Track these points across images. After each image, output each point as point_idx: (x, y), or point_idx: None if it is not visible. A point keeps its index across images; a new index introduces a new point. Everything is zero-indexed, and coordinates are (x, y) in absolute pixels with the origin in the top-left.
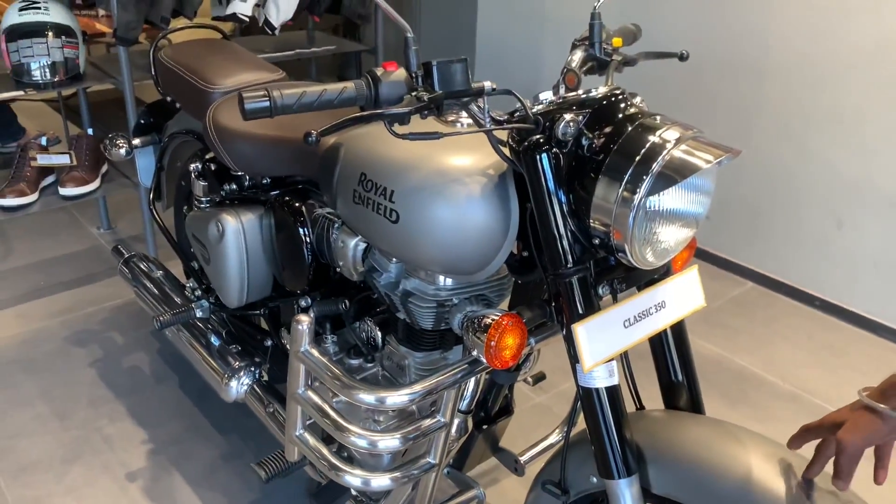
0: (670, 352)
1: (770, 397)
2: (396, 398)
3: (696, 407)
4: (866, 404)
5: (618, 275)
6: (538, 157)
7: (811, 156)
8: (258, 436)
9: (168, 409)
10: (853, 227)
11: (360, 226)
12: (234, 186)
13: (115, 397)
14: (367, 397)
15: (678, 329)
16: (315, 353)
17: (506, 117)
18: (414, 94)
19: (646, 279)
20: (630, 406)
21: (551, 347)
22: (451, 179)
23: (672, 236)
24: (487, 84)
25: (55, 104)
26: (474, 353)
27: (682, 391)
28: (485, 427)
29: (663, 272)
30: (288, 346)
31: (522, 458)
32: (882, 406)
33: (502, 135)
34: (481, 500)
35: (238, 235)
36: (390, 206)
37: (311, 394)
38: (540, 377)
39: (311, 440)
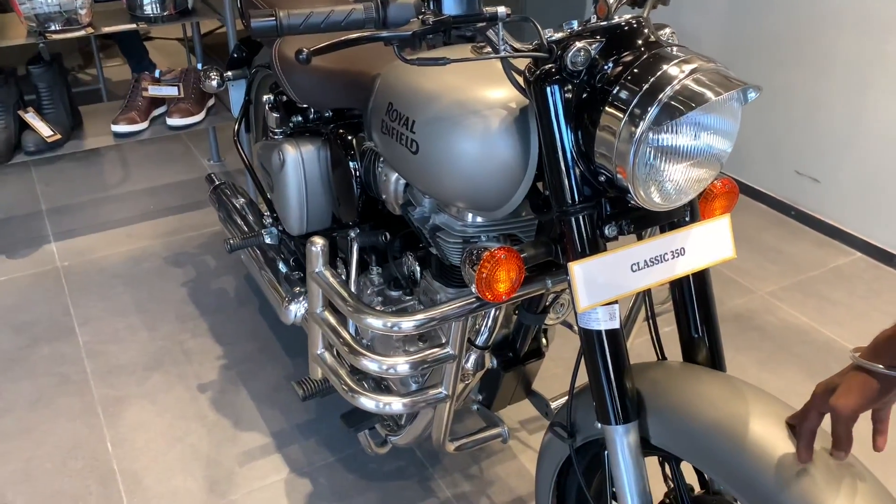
0: (692, 304)
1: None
2: (403, 324)
3: (715, 363)
4: (859, 365)
5: (633, 216)
6: (547, 87)
7: None
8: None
9: (245, 330)
10: None
11: (388, 157)
12: (300, 118)
13: (200, 315)
14: (376, 322)
15: (701, 281)
16: (328, 275)
17: (527, 47)
18: (420, 16)
19: (662, 223)
20: (651, 356)
21: None
22: (471, 111)
23: (682, 176)
24: (501, 9)
25: (190, 43)
26: (472, 287)
27: (701, 346)
28: (513, 367)
29: (689, 218)
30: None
31: (553, 404)
32: (875, 365)
33: (523, 66)
34: (505, 437)
35: (297, 165)
36: (411, 136)
37: (327, 314)
38: None
39: (330, 360)
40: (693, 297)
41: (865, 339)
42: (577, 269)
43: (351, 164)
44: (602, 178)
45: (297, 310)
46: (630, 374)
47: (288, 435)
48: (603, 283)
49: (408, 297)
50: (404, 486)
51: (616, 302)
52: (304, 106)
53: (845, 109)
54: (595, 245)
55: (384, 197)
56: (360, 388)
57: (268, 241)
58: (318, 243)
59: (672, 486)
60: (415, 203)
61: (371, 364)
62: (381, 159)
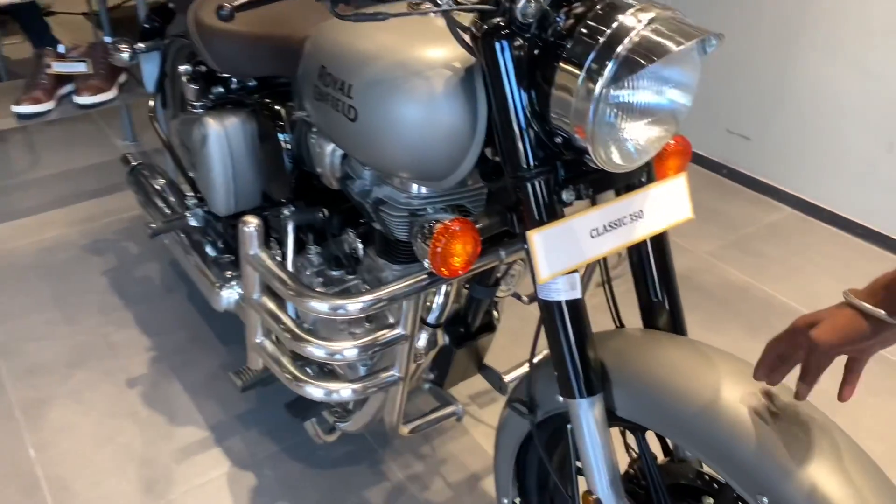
0: (650, 268)
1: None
2: (349, 306)
3: (676, 328)
4: (851, 303)
5: (588, 179)
6: (496, 43)
7: (864, 73)
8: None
9: (174, 319)
10: None
11: (324, 125)
12: (222, 90)
13: (125, 305)
14: (320, 305)
15: (660, 244)
16: (265, 257)
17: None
18: None
19: (620, 185)
20: (609, 325)
21: None
22: (413, 73)
23: (642, 134)
24: None
25: (94, 17)
26: (425, 262)
27: (661, 311)
28: (465, 343)
29: (645, 179)
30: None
31: (507, 377)
32: (871, 307)
33: (469, 21)
34: (459, 416)
35: (221, 140)
36: (348, 101)
37: (265, 300)
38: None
39: (270, 348)
40: (652, 261)
41: (803, 294)
42: (536, 237)
43: (280, 136)
44: (558, 140)
45: (229, 295)
46: (593, 345)
47: (227, 427)
48: (563, 251)
49: (350, 277)
50: (355, 472)
51: (576, 270)
52: (226, 76)
53: (774, 67)
54: (553, 212)
55: (319, 170)
56: (306, 376)
57: (193, 223)
58: (252, 223)
59: (636, 455)
60: (354, 175)
61: (317, 350)
62: (315, 130)
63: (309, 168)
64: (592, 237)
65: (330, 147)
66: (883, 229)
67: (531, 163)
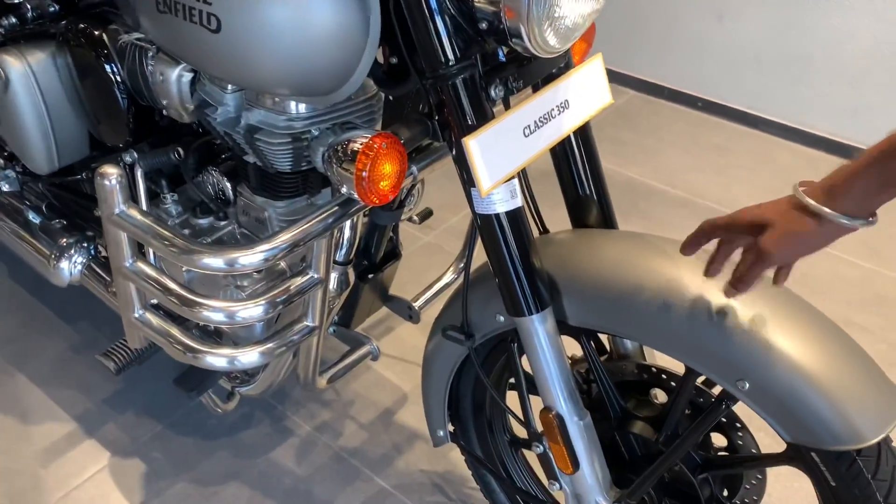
0: (576, 162)
1: (661, 205)
2: (251, 257)
3: (608, 222)
4: (805, 205)
5: (510, 72)
6: None
7: None
8: (113, 319)
9: None
10: (734, 18)
11: (174, 45)
12: (15, 20)
13: None
14: (213, 260)
15: (584, 135)
16: (136, 214)
17: None
18: None
19: (543, 75)
20: (534, 232)
21: (433, 180)
22: None
23: (576, 10)
24: None
25: None
26: (343, 189)
27: (591, 206)
28: (370, 276)
29: (563, 66)
30: None
31: (416, 304)
32: (827, 210)
33: None
34: (375, 354)
35: (27, 82)
36: (206, 9)
37: (142, 265)
38: (427, 214)
39: (156, 320)
40: (577, 154)
41: (661, 174)
42: (473, 144)
43: (107, 67)
44: (483, 26)
45: (70, 267)
46: (538, 256)
47: (96, 415)
48: (501, 155)
49: (222, 223)
50: (257, 435)
51: (514, 176)
52: (16, 1)
53: None
54: (483, 112)
55: (165, 102)
56: (204, 346)
57: (5, 188)
58: (112, 174)
59: (578, 359)
60: (213, 102)
61: (215, 314)
62: (152, 54)
63: (149, 102)
64: (526, 136)
65: (175, 72)
66: (720, 99)
67: (452, 57)
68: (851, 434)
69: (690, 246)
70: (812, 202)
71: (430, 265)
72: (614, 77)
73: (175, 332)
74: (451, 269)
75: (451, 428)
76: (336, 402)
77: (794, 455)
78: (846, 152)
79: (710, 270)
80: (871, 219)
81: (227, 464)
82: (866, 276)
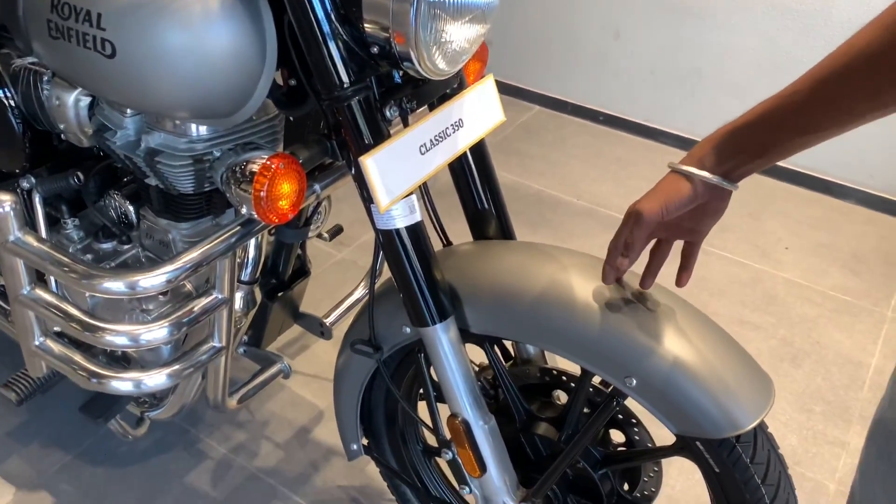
0: (473, 178)
1: (567, 216)
2: (152, 280)
3: (506, 234)
4: (675, 170)
5: (406, 93)
6: None
7: None
8: (12, 348)
9: None
10: (630, 36)
11: (69, 70)
12: None
13: None
14: (114, 284)
15: (479, 152)
16: (31, 240)
17: None
18: None
19: (437, 95)
20: (437, 245)
21: (345, 198)
22: None
23: (462, 35)
24: None
25: None
26: (243, 210)
27: (489, 219)
28: (279, 295)
29: (456, 86)
30: None
31: (328, 320)
32: (687, 167)
33: None
34: (287, 372)
35: None
36: (100, 34)
37: (40, 293)
38: (337, 230)
39: (58, 348)
40: (474, 170)
41: (566, 185)
42: (369, 162)
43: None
44: (374, 50)
45: None
46: (439, 268)
47: None
48: (398, 172)
49: (126, 247)
50: (169, 460)
51: (412, 193)
52: None
53: None
54: (379, 131)
55: (62, 127)
56: (109, 371)
57: None
58: (6, 201)
59: (483, 367)
60: (112, 126)
61: (118, 338)
62: (45, 79)
63: (46, 126)
64: (422, 153)
65: (71, 97)
66: (620, 112)
67: (347, 79)
68: (730, 422)
69: (608, 270)
70: (676, 165)
71: (343, 282)
72: (520, 94)
73: (78, 358)
74: (362, 284)
75: (364, 441)
76: (251, 422)
77: (683, 446)
78: None
79: (605, 277)
80: (729, 179)
81: (140, 491)
82: (757, 276)
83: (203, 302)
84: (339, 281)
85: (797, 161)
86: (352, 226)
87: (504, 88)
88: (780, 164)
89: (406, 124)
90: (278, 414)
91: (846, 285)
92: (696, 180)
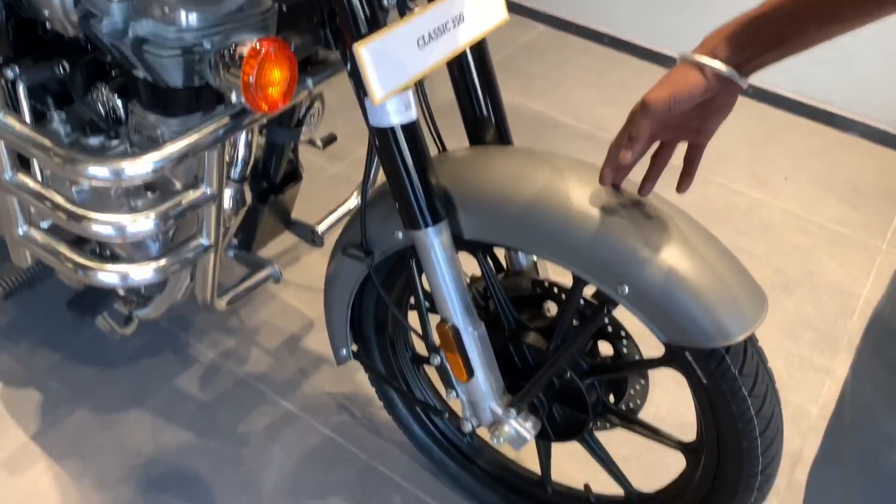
0: (473, 83)
1: (567, 139)
2: (138, 167)
3: (504, 142)
4: (686, 60)
5: None
6: None
7: None
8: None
9: None
10: None
11: None
12: None
13: None
14: (99, 170)
15: (480, 55)
16: (13, 122)
17: None
18: None
19: None
20: (433, 151)
21: (340, 111)
22: None
23: None
24: None
25: None
26: (233, 97)
27: (488, 126)
28: (270, 198)
29: None
30: None
31: (320, 228)
32: (701, 58)
33: None
34: (277, 277)
35: None
36: None
37: (24, 178)
38: (330, 139)
39: (42, 237)
40: (474, 74)
41: (567, 107)
42: (363, 51)
43: None
44: None
45: None
46: (433, 170)
47: None
48: (394, 65)
49: (114, 142)
50: (159, 363)
51: (409, 88)
52: None
53: None
54: (375, 19)
55: (47, 13)
56: (96, 262)
57: None
58: None
59: (475, 277)
60: (98, 13)
61: (103, 228)
62: None
63: (30, 14)
64: (420, 47)
65: None
66: (626, 36)
67: None
68: (720, 333)
69: (606, 170)
70: (688, 54)
71: (336, 196)
72: (525, 12)
73: (64, 249)
74: (355, 194)
75: (354, 347)
76: (241, 329)
77: (672, 357)
78: None
79: (618, 177)
80: (741, 72)
81: (128, 392)
82: (754, 205)
83: (191, 195)
84: (331, 195)
85: (801, 91)
86: (347, 140)
87: (508, 6)
88: (784, 93)
89: (402, 13)
90: (269, 322)
91: (843, 217)
92: (708, 72)
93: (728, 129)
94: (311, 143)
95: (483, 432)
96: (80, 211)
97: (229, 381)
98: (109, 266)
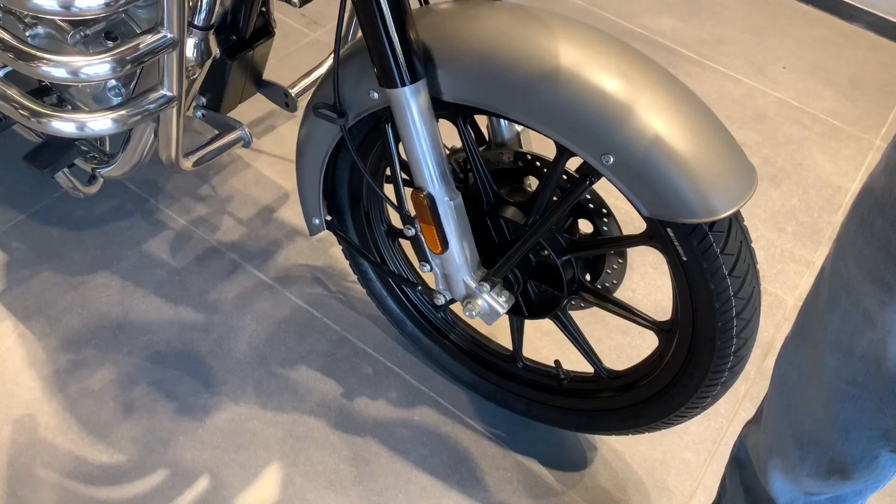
0: None
1: (560, 11)
2: (87, 1)
3: None
4: None
5: None
6: None
7: None
8: None
9: None
10: None
11: None
12: None
13: None
14: (46, 1)
15: None
16: None
17: None
18: None
19: None
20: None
21: None
22: None
23: None
24: None
25: None
26: None
27: None
28: (239, 54)
29: None
30: None
31: (293, 91)
32: None
33: None
34: (247, 140)
35: None
36: None
37: None
38: None
39: None
40: None
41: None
42: None
43: None
44: None
45: None
46: (413, 24)
47: None
48: None
49: None
50: (127, 227)
51: None
52: None
53: None
54: None
55: None
56: (53, 110)
57: None
58: None
59: (453, 148)
60: None
61: (56, 70)
62: None
63: None
64: None
65: None
66: None
67: None
68: (705, 208)
69: None
70: None
71: (314, 63)
72: None
73: (15, 94)
74: (331, 57)
75: (328, 217)
76: (213, 197)
77: (652, 234)
78: None
79: None
80: None
81: (95, 254)
82: (749, 93)
83: (149, 39)
84: (310, 62)
85: None
86: (328, 4)
87: None
88: None
89: None
90: (241, 191)
91: (838, 110)
92: None
93: (729, 14)
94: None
95: (456, 307)
96: (33, 51)
97: (200, 248)
98: (66, 115)
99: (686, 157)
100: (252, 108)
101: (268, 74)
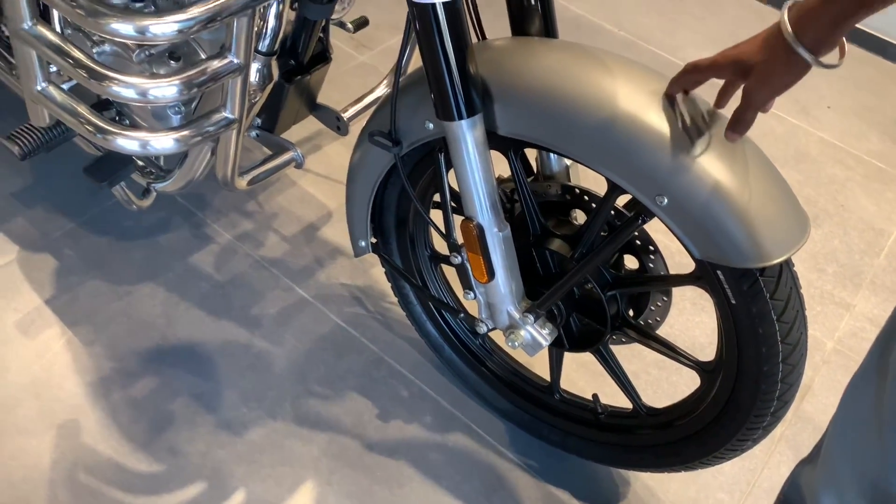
0: None
1: (605, 45)
2: (163, 26)
3: (549, 33)
4: (789, 45)
5: None
6: None
7: None
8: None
9: None
10: None
11: None
12: None
13: None
14: (123, 26)
15: None
16: None
17: None
18: None
19: None
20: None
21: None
22: None
23: None
24: None
25: None
26: None
27: (534, 16)
28: (297, 78)
29: None
30: None
31: (346, 115)
32: (807, 53)
33: None
34: (299, 161)
35: None
36: None
37: (43, 30)
38: (362, 23)
39: (61, 96)
40: None
41: (608, 13)
42: None
43: None
44: None
45: None
46: (473, 58)
47: (3, 208)
48: None
49: (138, 4)
50: (174, 239)
51: None
52: None
53: None
54: None
55: None
56: (116, 127)
57: None
58: None
59: (504, 178)
60: None
61: (125, 90)
62: None
63: None
64: None
65: None
66: None
67: None
68: (758, 253)
69: (673, 86)
70: (793, 39)
71: (364, 86)
72: None
73: (82, 109)
74: (385, 82)
75: (373, 240)
76: (259, 213)
77: (701, 275)
78: None
79: (719, 103)
80: (838, 60)
81: (142, 265)
82: (792, 131)
83: (216, 64)
84: (359, 84)
85: None
86: (377, 29)
87: None
88: None
89: None
90: (287, 208)
91: (883, 152)
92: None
93: None
94: (342, 25)
95: (496, 336)
96: (103, 70)
97: (244, 263)
98: (129, 132)
99: (741, 203)
100: (299, 126)
101: (318, 96)
